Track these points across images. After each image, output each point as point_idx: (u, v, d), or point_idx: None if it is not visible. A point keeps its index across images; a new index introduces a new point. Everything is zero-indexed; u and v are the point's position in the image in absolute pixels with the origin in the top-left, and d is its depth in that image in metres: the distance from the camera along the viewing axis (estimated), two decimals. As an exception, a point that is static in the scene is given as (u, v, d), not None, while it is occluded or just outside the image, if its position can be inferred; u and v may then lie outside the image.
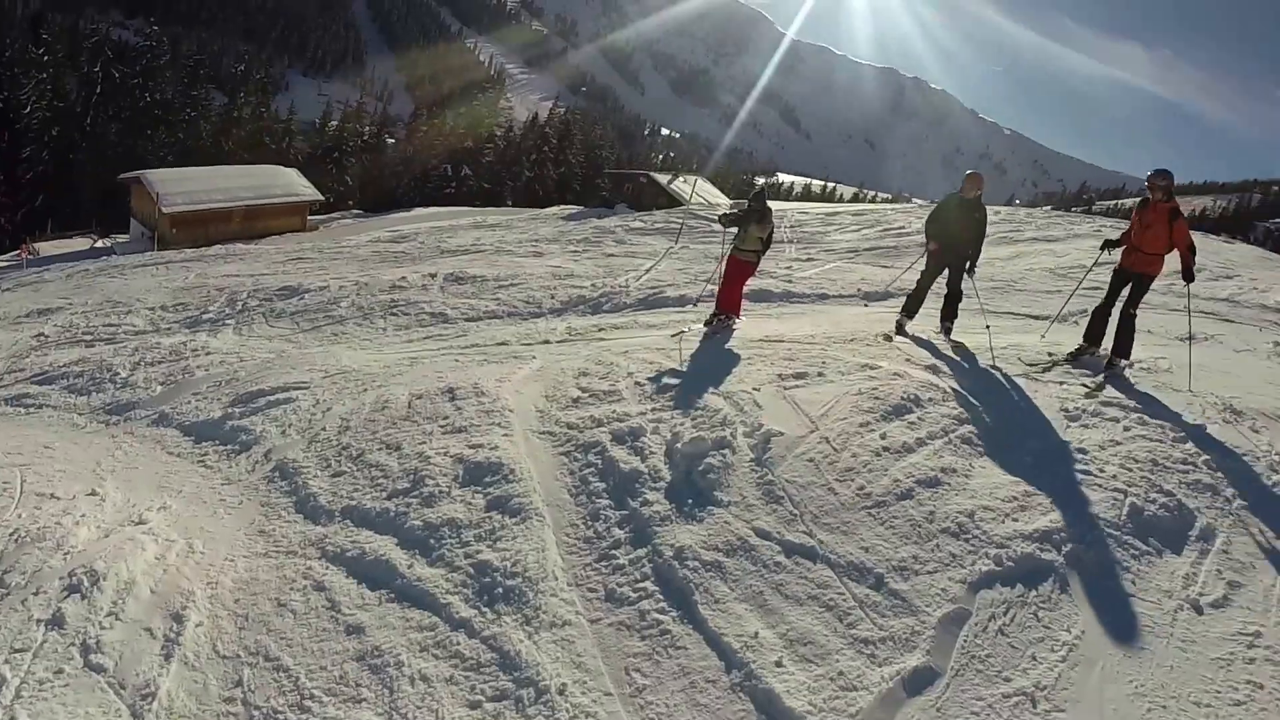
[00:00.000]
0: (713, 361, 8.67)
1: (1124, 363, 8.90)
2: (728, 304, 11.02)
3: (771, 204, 35.05)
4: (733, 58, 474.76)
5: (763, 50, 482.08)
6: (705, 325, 10.80)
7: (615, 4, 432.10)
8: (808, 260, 18.95)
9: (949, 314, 10.26)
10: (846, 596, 4.92)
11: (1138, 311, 9.12)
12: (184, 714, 4.51)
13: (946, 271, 10.26)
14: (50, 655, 4.93)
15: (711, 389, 7.62)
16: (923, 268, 10.56)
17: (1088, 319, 9.60)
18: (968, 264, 10.04)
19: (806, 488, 5.86)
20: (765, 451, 6.29)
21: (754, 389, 7.48)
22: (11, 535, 6.41)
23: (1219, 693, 4.48)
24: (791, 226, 25.35)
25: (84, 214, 56.54)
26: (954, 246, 10.05)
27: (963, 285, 10.33)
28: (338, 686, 4.58)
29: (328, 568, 5.64)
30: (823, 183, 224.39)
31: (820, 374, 7.91)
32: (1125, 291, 9.22)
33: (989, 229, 10.40)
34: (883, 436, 6.58)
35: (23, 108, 59.84)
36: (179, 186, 44.25)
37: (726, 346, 9.31)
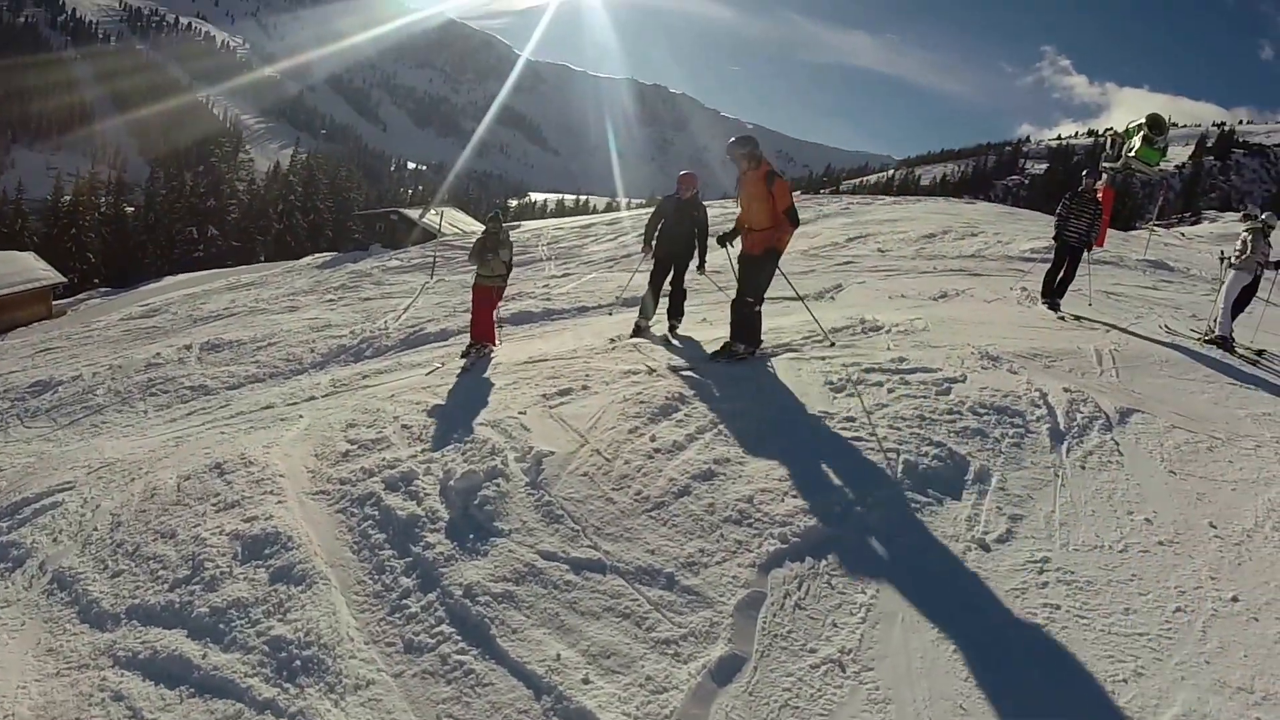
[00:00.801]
0: (476, 392, 8.72)
1: (743, 347, 8.76)
2: (480, 333, 11.20)
3: (528, 223, 35.15)
4: (472, 84, 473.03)
5: (501, 73, 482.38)
6: (462, 357, 10.90)
7: (346, 42, 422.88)
8: (564, 275, 19.30)
9: (675, 312, 10.67)
10: (641, 602, 5.00)
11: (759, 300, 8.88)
12: None
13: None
14: None
15: (478, 420, 7.66)
16: (648, 269, 10.91)
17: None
18: (695, 263, 10.53)
19: (584, 502, 5.96)
20: (539, 473, 6.36)
21: (520, 412, 7.55)
22: None
23: (1018, 619, 4.69)
24: (548, 244, 25.70)
25: None
26: (673, 247, 10.43)
27: (690, 279, 10.82)
28: None
29: (122, 675, 5.40)
30: (575, 196, 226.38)
31: (585, 387, 8.06)
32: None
33: (715, 222, 10.96)
34: (652, 439, 6.71)
35: None
36: None
37: (487, 375, 9.40)
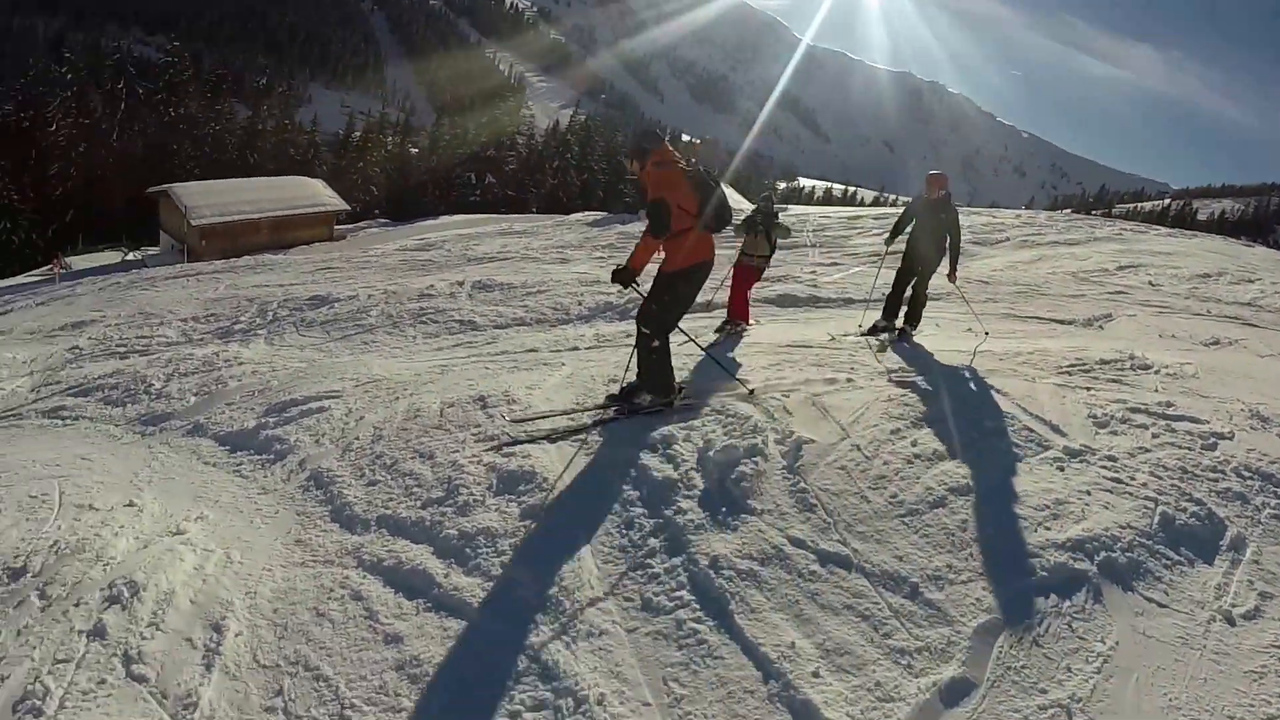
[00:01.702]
0: (742, 367, 8.67)
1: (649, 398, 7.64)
2: (736, 311, 10.98)
3: (795, 208, 34.74)
4: (750, 64, 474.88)
5: (779, 56, 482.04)
6: (716, 333, 10.70)
7: (632, 13, 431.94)
8: (832, 265, 18.88)
9: (912, 317, 10.22)
10: (882, 606, 4.89)
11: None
12: None
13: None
14: (93, 666, 4.98)
15: (742, 395, 7.60)
16: (897, 268, 10.59)
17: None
18: (947, 270, 10.09)
19: (839, 495, 5.84)
20: (797, 459, 6.26)
21: (783, 395, 7.46)
22: (51, 547, 6.50)
23: (1252, 706, 4.45)
24: (814, 230, 25.30)
25: (113, 228, 57.18)
26: (919, 249, 9.92)
27: (956, 289, 10.25)
28: (377, 696, 4.57)
29: (365, 577, 5.63)
30: (843, 186, 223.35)
31: (849, 379, 7.92)
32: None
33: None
34: (914, 444, 6.57)
35: (48, 125, 61.42)
36: (207, 199, 44.98)
37: (756, 351, 9.31)
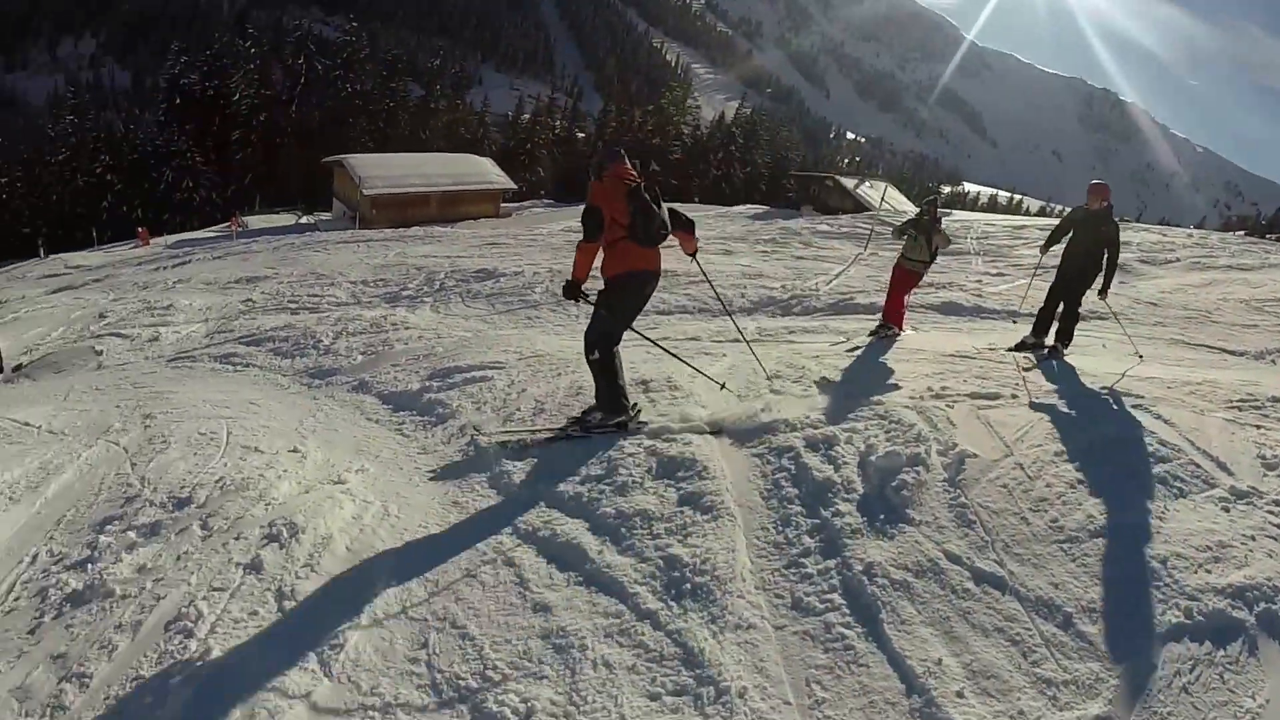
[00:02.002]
0: (905, 373, 8.42)
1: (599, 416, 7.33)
2: (891, 315, 10.65)
3: (959, 213, 33.71)
4: (917, 62, 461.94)
5: (946, 56, 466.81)
6: (869, 335, 10.45)
7: (798, 7, 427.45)
8: (997, 275, 18.18)
9: (1063, 334, 9.57)
10: (1033, 633, 4.65)
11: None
12: (370, 668, 4.61)
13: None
14: (246, 597, 5.17)
15: (903, 402, 7.36)
16: (1051, 283, 9.99)
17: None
18: (1099, 286, 9.41)
19: (999, 514, 5.59)
20: (959, 472, 6.03)
21: (948, 405, 7.21)
22: (217, 482, 6.83)
23: None
24: (978, 238, 24.48)
25: (289, 192, 60.77)
26: (1075, 262, 9.34)
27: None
28: (520, 661, 4.58)
29: (519, 544, 5.68)
30: (1009, 194, 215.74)
31: (1014, 396, 7.61)
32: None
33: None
34: (1078, 468, 6.21)
35: (232, 95, 67.22)
36: (379, 170, 46.80)
37: (920, 359, 9.04)
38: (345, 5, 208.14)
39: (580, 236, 6.92)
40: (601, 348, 7.03)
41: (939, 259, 11.63)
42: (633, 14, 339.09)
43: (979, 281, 16.51)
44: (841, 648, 4.54)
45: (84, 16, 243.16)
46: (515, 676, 4.47)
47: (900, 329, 10.91)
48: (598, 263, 7.04)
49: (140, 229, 49.18)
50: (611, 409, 7.14)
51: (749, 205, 49.96)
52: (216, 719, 4.23)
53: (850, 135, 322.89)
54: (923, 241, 10.66)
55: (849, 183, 52.77)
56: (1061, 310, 9.78)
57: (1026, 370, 8.76)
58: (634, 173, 6.91)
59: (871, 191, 49.56)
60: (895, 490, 5.83)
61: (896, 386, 7.85)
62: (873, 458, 6.24)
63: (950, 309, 13.58)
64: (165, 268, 29.41)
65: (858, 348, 10.21)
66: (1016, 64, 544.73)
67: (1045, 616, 4.75)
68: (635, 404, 7.44)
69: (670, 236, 7.06)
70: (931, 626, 4.66)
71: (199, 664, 4.60)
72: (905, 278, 10.91)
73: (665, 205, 7.10)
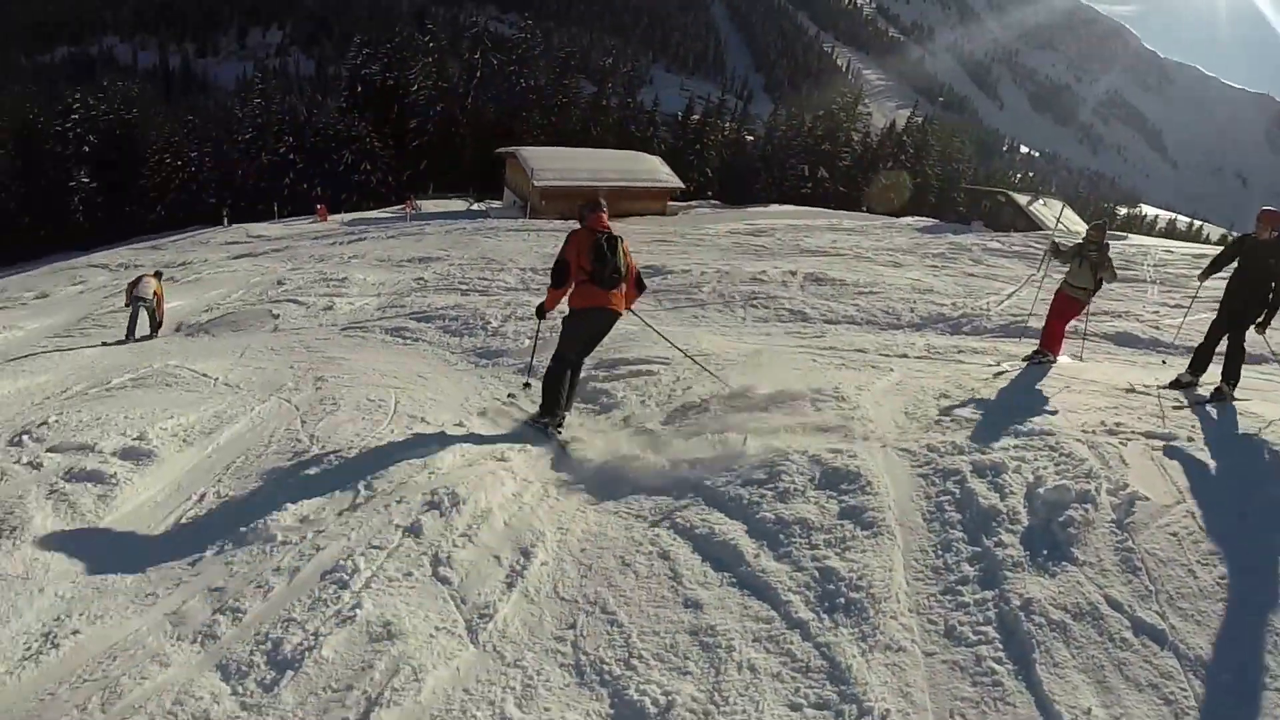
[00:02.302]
0: (1078, 404, 7.99)
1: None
2: (1048, 341, 10.09)
3: (1135, 237, 31.94)
4: (1096, 74, 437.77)
5: (1127, 66, 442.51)
6: (1024, 360, 9.94)
7: (972, 13, 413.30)
8: (1176, 306, 17.16)
9: (1229, 374, 8.65)
10: (1189, 694, 4.29)
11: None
12: (516, 640, 4.70)
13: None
14: (403, 558, 5.34)
15: (1074, 434, 6.98)
16: (1213, 317, 9.18)
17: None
18: (1259, 319, 8.58)
19: (1166, 564, 5.20)
20: (1128, 515, 5.64)
21: (1121, 443, 6.78)
22: (383, 446, 7.11)
23: None
24: (1155, 265, 23.13)
25: (462, 179, 63.03)
26: (1240, 295, 8.58)
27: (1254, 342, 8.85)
28: (666, 654, 4.59)
29: (675, 539, 5.70)
30: (1189, 219, 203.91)
31: (1190, 439, 7.00)
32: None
33: None
34: (1255, 526, 5.73)
35: (410, 86, 70.98)
36: (550, 163, 47.91)
37: (1092, 390, 8.57)
38: (521, 3, 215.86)
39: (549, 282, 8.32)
40: (555, 362, 8.15)
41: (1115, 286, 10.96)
42: (804, 17, 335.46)
43: (1156, 313, 15.63)
44: (990, 683, 4.36)
45: (271, 9, 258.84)
46: (659, 668, 4.47)
47: (1056, 355, 10.38)
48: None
49: (319, 205, 51.65)
50: (543, 410, 8.13)
51: (916, 217, 48.76)
52: (361, 669, 4.39)
53: (1024, 149, 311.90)
54: (1087, 268, 10.14)
55: (1022, 199, 50.75)
56: (1226, 347, 9.04)
57: (1176, 409, 8.14)
58: (607, 224, 8.16)
59: (1045, 210, 47.49)
60: (1061, 526, 5.57)
61: (1068, 417, 7.50)
62: (1040, 490, 5.99)
63: (1125, 340, 12.90)
64: (341, 243, 30.92)
65: (1004, 372, 9.80)
66: (1199, 76, 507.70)
67: (1203, 678, 4.42)
68: (561, 418, 8.14)
69: (622, 284, 8.16)
70: (1084, 673, 4.41)
71: (349, 614, 4.76)
72: (1066, 304, 10.36)
73: (634, 265, 8.54)
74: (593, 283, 7.85)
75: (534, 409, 8.26)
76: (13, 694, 4.39)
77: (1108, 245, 10.31)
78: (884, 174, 72.39)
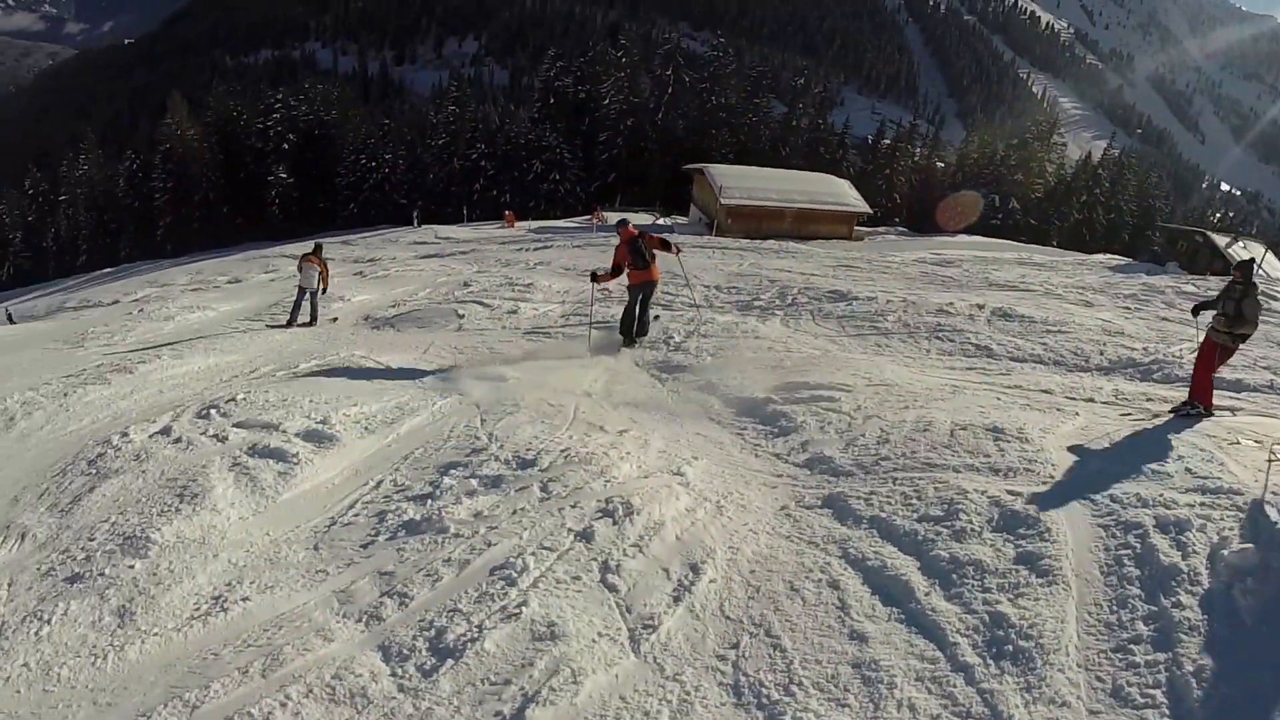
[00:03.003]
0: (1263, 461, 7.26)
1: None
2: (1197, 390, 9.34)
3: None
4: None
5: None
6: (1170, 412, 9.23)
7: (1173, 38, 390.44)
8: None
9: None
10: None
11: None
12: (677, 655, 4.75)
13: None
14: (573, 561, 5.51)
15: (1268, 497, 6.40)
16: None
17: None
18: None
19: None
20: None
21: None
22: (562, 451, 7.32)
23: None
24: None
25: (649, 194, 64.24)
26: None
27: None
28: (826, 684, 4.57)
29: (846, 569, 5.67)
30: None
31: None
32: None
33: None
34: None
35: (602, 100, 71.97)
36: (738, 182, 48.17)
37: (1239, 441, 7.92)
38: (713, 21, 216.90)
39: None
40: (624, 313, 13.12)
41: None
42: (999, 41, 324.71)
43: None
44: None
45: (468, 20, 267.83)
46: (818, 698, 4.46)
47: (1208, 407, 9.51)
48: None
49: (507, 211, 53.19)
50: (622, 331, 13.02)
51: (1108, 255, 46.67)
52: (520, 665, 4.54)
53: (1225, 186, 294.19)
54: (1230, 309, 9.34)
55: (1220, 240, 47.68)
56: None
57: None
58: (633, 231, 12.89)
59: (1245, 253, 44.61)
60: (1243, 593, 5.21)
61: (1258, 476, 6.91)
62: (1224, 551, 5.61)
63: None
64: (527, 249, 31.79)
65: (1140, 420, 9.18)
66: None
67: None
68: (631, 342, 12.88)
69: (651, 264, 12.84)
70: None
71: (515, 611, 4.93)
72: (1210, 350, 9.69)
73: (652, 241, 13.04)
74: (634, 268, 12.68)
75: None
76: (178, 650, 4.77)
77: (1256, 286, 9.60)
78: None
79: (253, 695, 4.30)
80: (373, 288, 22.90)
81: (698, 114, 72.88)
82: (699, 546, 5.78)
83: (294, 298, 17.15)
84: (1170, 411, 9.42)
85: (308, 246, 18.05)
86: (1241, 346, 10.09)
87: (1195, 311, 10.35)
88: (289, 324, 16.68)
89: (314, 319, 17.06)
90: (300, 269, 17.11)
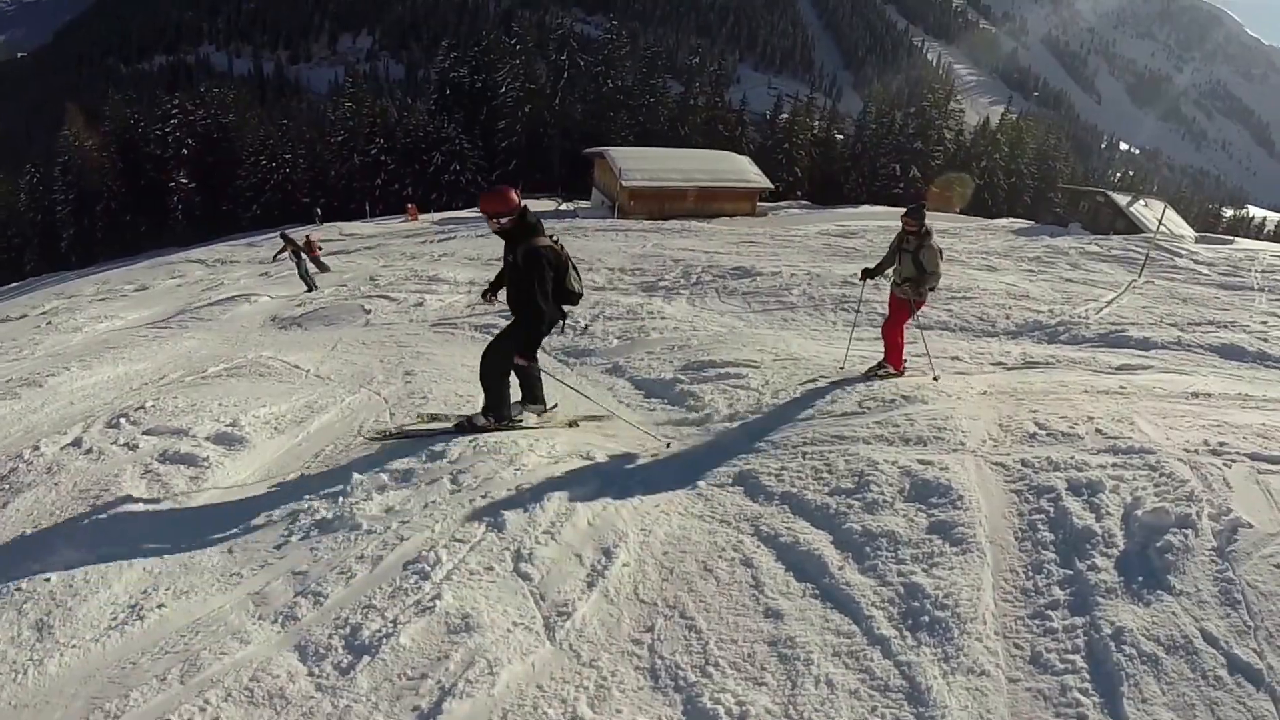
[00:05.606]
0: (1180, 420, 7.58)
1: None
2: (888, 351, 9.59)
3: (1243, 242, 30.56)
4: (1197, 64, 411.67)
5: (1230, 56, 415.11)
6: (867, 371, 9.59)
7: (1066, 2, 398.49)
8: (1285, 317, 16.31)
9: None
10: None
11: None
12: (593, 640, 4.72)
13: None
14: (485, 552, 5.45)
15: (1176, 453, 6.61)
16: None
17: None
18: None
19: (1268, 597, 4.85)
20: (1230, 543, 5.30)
21: (1225, 465, 6.39)
22: (471, 442, 7.22)
23: None
24: (1263, 272, 22.01)
25: (550, 179, 64.35)
26: None
27: None
28: (743, 663, 4.54)
29: (759, 546, 5.64)
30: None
31: None
32: None
33: None
34: None
35: (498, 88, 73.24)
36: (638, 164, 48.46)
37: (1198, 404, 8.22)
38: (605, 4, 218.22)
39: None
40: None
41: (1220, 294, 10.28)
42: (892, 11, 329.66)
43: (1264, 323, 14.93)
44: (1075, 714, 4.17)
45: (361, 15, 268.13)
46: (735, 677, 4.43)
47: (898, 369, 9.63)
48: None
49: (409, 205, 52.91)
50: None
51: (1011, 219, 47.69)
52: (436, 659, 4.48)
53: (1123, 145, 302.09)
54: (909, 260, 9.25)
55: (1121, 199, 48.98)
56: None
57: None
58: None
59: (1146, 211, 45.65)
60: (1159, 552, 5.28)
61: (1170, 435, 7.12)
62: (1138, 512, 5.70)
63: (1231, 352, 12.22)
64: (431, 241, 31.75)
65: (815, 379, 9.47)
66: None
67: (1298, 725, 4.31)
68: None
69: None
70: (1174, 711, 4.19)
71: (429, 605, 4.87)
72: (898, 308, 9.60)
73: None
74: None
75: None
76: (96, 660, 4.61)
77: (929, 234, 9.34)
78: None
79: (172, 701, 4.19)
80: (278, 287, 22.77)
81: (595, 98, 74.22)
82: (611, 530, 5.75)
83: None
84: (865, 374, 9.54)
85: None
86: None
87: (864, 275, 10.00)
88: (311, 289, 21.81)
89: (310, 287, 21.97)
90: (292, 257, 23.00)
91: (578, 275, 7.78)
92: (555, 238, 7.50)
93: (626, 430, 8.18)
